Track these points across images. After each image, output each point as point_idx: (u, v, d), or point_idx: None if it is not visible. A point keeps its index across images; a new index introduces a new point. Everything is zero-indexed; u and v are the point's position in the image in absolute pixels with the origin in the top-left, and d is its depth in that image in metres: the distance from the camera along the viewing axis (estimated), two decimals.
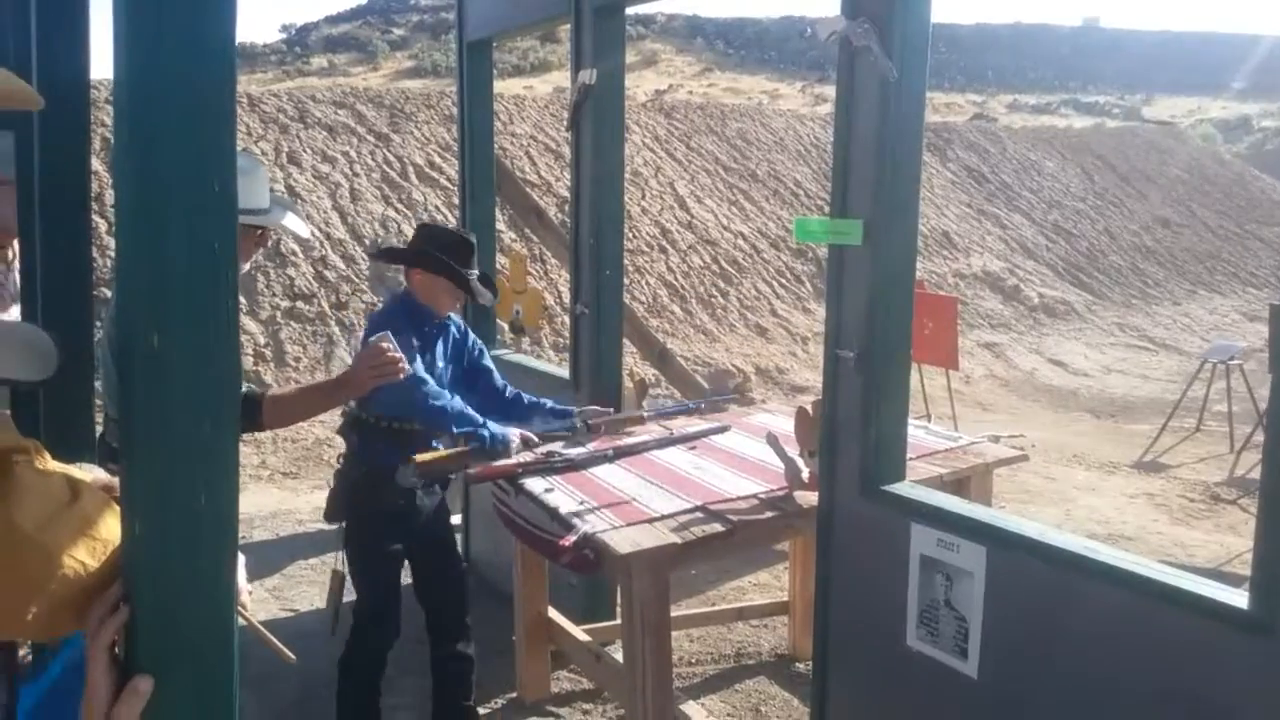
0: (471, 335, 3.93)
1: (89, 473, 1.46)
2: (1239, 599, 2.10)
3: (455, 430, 3.56)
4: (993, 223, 14.91)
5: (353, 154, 10.11)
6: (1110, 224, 16.34)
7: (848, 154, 2.88)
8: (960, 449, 3.89)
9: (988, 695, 2.61)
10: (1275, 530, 2.03)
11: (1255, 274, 16.31)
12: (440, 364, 3.70)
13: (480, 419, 3.57)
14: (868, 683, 3.03)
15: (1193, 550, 5.91)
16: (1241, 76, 38.41)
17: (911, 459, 3.36)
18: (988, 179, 16.02)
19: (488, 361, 3.94)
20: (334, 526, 3.77)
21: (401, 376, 2.93)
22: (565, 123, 4.43)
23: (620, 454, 3.90)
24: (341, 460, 3.71)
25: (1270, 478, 2.05)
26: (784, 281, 11.54)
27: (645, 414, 4.09)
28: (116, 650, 1.20)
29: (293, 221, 3.29)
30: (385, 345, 2.74)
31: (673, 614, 3.55)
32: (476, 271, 3.66)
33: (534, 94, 12.24)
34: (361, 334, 3.83)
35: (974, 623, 2.63)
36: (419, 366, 3.48)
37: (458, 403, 3.57)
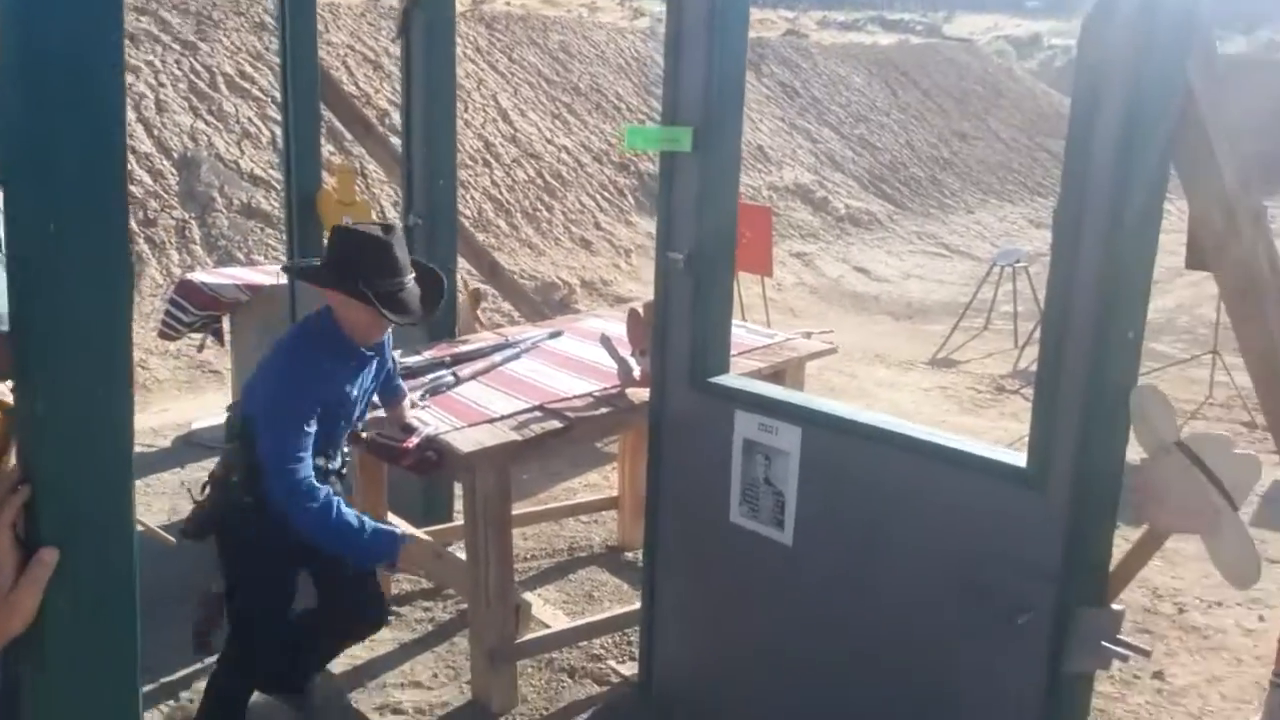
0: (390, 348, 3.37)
1: None
2: (1019, 460, 2.44)
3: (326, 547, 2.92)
4: (804, 136, 15.41)
5: (157, 63, 9.57)
6: (912, 137, 17.13)
7: (678, 63, 3.05)
8: (777, 345, 4.19)
9: (801, 560, 2.92)
10: (1047, 403, 2.36)
11: (1042, 184, 17.45)
12: (360, 406, 3.17)
13: (359, 534, 2.86)
14: (695, 558, 3.31)
15: (980, 436, 6.49)
16: None
17: (733, 355, 3.62)
18: (799, 94, 16.48)
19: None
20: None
21: None
22: (392, 32, 4.38)
23: (458, 360, 4.02)
24: (222, 471, 3.03)
25: (1046, 362, 2.37)
26: (607, 195, 11.68)
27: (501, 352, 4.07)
28: (17, 531, 1.26)
29: None
30: None
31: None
32: (408, 276, 2.97)
33: (350, 1, 11.79)
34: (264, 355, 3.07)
35: (790, 496, 2.91)
36: (307, 466, 2.84)
37: (337, 515, 2.85)
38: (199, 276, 6.04)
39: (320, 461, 3.00)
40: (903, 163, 16.20)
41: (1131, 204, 2.16)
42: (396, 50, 10.83)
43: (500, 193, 10.53)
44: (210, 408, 6.47)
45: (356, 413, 3.17)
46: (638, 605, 3.65)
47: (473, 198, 10.05)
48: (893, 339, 9.67)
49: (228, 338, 6.11)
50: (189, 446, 5.77)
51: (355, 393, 3.10)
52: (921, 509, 2.61)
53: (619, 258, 10.81)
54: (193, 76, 9.56)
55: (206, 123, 9.21)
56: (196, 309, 5.64)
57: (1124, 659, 2.37)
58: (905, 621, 2.69)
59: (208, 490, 3.05)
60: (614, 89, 13.46)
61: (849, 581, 2.81)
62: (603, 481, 5.58)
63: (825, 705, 2.93)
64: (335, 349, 2.98)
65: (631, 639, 3.85)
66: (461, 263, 5.28)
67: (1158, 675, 3.84)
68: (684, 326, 3.17)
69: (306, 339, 3.02)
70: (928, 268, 13.14)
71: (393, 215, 9.21)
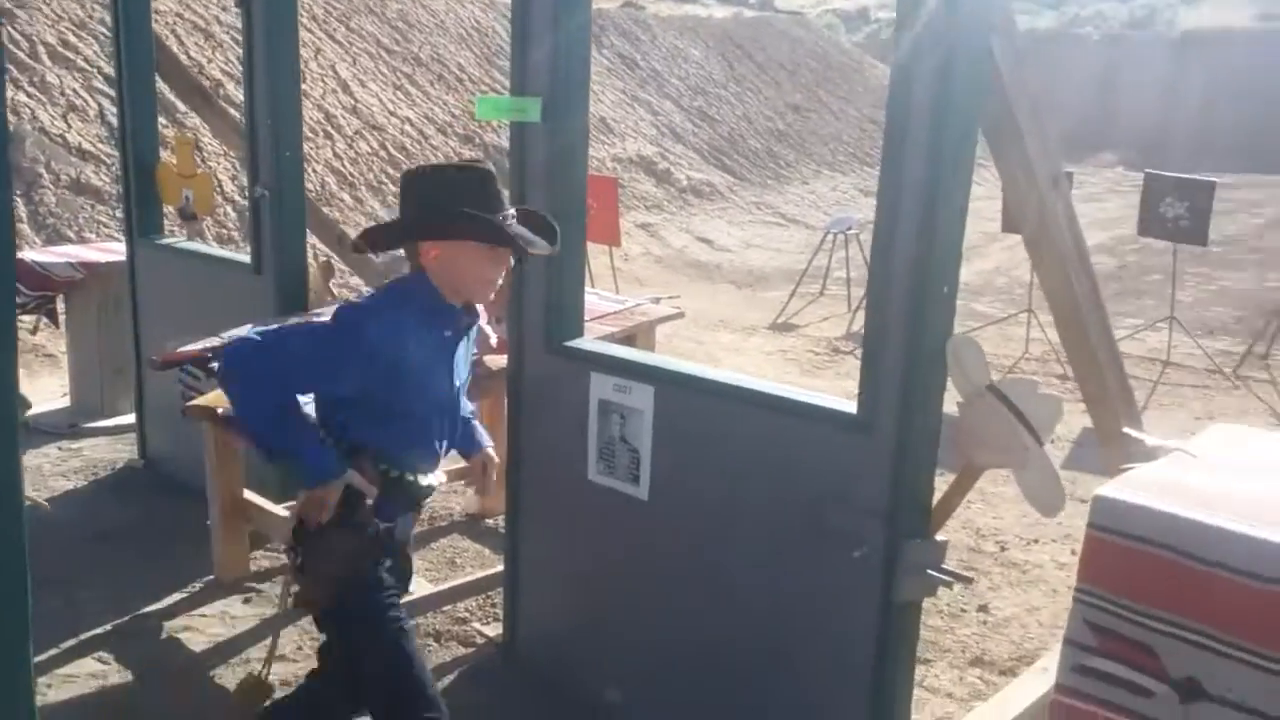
0: None
1: None
2: (851, 408, 2.65)
3: (264, 444, 2.45)
4: (645, 109, 15.60)
5: None
6: (749, 109, 17.54)
7: (525, 34, 3.14)
8: (628, 310, 4.34)
9: (657, 512, 3.07)
10: (874, 354, 2.57)
11: (870, 154, 18.12)
12: (457, 381, 2.59)
13: (310, 439, 2.37)
14: (555, 517, 3.43)
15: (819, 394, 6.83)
16: None
17: (586, 320, 3.75)
18: (640, 66, 16.65)
19: None
20: None
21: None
22: None
23: None
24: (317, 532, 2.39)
25: (871, 317, 2.58)
26: None
27: None
28: None
29: None
30: None
31: None
32: (512, 210, 2.48)
33: None
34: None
35: (644, 452, 3.06)
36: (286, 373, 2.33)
37: (294, 409, 2.37)
38: (30, 255, 5.81)
39: (391, 469, 2.43)
40: (740, 135, 16.58)
41: (943, 171, 2.37)
42: (229, 18, 10.53)
43: (343, 165, 10.35)
44: (46, 392, 6.23)
45: (451, 399, 2.55)
46: (500, 568, 3.76)
47: (315, 171, 9.85)
48: (735, 306, 9.98)
49: (62, 319, 5.90)
50: (26, 433, 5.56)
51: (451, 374, 2.53)
52: (766, 458, 2.79)
53: None
54: (11, 46, 9.05)
55: (29, 95, 8.75)
56: (29, 290, 5.43)
57: (948, 586, 2.61)
58: (756, 566, 2.87)
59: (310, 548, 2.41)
60: (456, 60, 13.34)
61: (702, 530, 2.98)
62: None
63: (683, 649, 3.10)
64: (428, 312, 2.44)
65: (495, 601, 3.95)
66: (309, 236, 5.24)
67: (983, 608, 4.17)
68: (538, 293, 3.27)
69: (391, 298, 2.46)
70: (766, 237, 13.55)
71: (232, 189, 8.96)
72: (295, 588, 2.52)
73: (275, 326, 2.58)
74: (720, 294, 10.63)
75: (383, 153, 10.89)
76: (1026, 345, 8.04)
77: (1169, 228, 7.60)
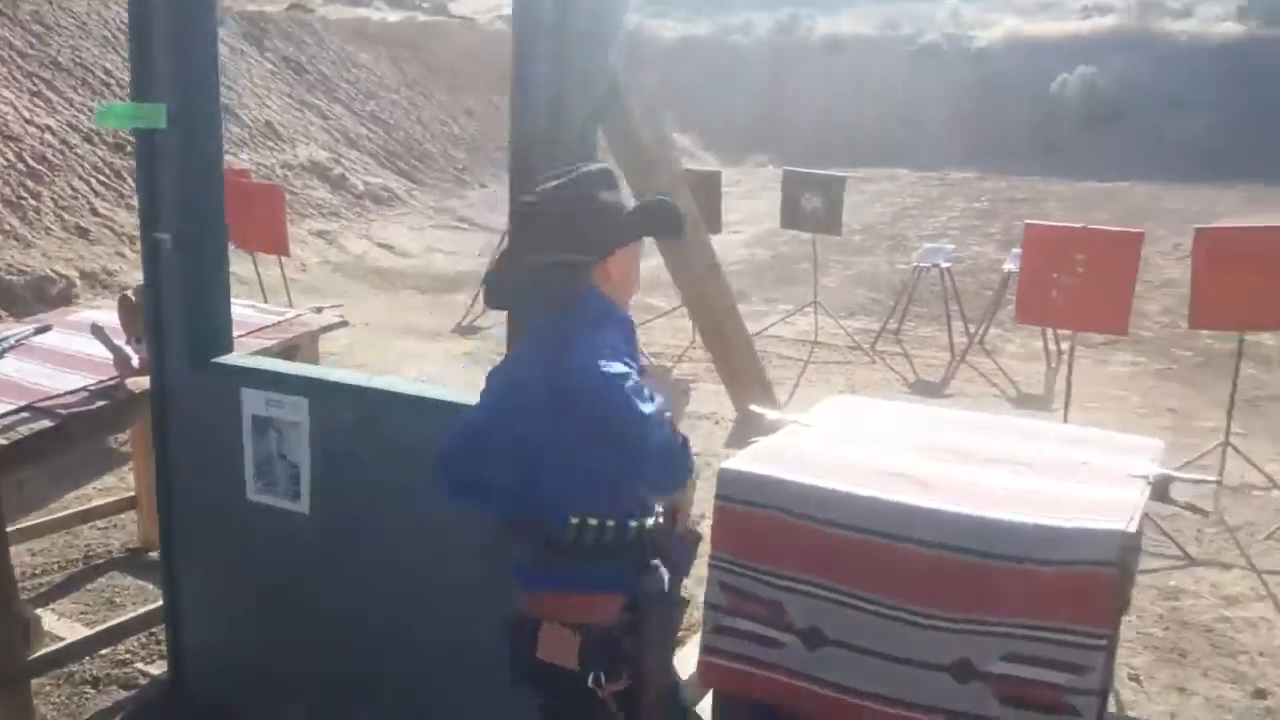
0: None
1: None
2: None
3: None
4: (315, 114, 15.13)
5: None
6: (423, 114, 17.41)
7: (146, 39, 3.01)
8: (287, 321, 4.23)
9: (319, 526, 3.03)
10: None
11: None
12: None
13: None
14: (214, 541, 3.31)
15: None
16: None
17: (241, 335, 3.64)
18: (307, 70, 16.11)
19: None
20: None
21: None
22: None
23: None
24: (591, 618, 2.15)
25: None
26: (103, 178, 10.75)
27: None
28: None
29: None
30: None
31: (9, 528, 3.47)
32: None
33: None
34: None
35: (304, 467, 3.02)
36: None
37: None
38: None
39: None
40: (417, 139, 16.45)
41: None
42: None
43: None
44: None
45: None
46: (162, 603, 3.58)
47: None
48: (419, 311, 9.91)
49: None
50: None
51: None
52: (419, 460, 2.81)
53: (123, 245, 10.04)
54: None
55: None
56: None
57: None
58: (416, 572, 2.86)
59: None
60: (101, 64, 12.37)
61: (363, 539, 2.97)
62: (119, 484, 5.29)
63: (353, 661, 3.07)
64: (624, 331, 2.17)
65: (160, 638, 3.75)
66: None
67: None
68: (179, 309, 3.14)
69: (607, 327, 2.11)
70: (448, 241, 13.53)
71: None
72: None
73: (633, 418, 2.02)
74: (404, 300, 10.52)
75: (20, 165, 9.95)
76: (693, 335, 8.48)
77: (808, 220, 8.29)
